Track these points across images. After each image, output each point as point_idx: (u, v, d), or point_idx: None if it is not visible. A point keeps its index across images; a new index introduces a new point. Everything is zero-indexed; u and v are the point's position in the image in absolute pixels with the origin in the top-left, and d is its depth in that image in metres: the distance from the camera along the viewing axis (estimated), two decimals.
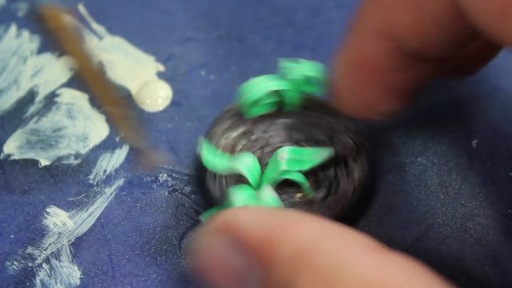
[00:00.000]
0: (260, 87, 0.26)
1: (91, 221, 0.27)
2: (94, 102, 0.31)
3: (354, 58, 0.23)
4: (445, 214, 0.27)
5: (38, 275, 0.25)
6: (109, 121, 0.30)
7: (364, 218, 0.27)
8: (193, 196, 0.28)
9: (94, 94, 0.23)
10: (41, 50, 0.33)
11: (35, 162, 0.29)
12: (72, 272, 0.25)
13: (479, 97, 0.31)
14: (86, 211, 0.27)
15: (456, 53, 0.22)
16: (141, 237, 0.26)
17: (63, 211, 0.27)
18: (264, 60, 0.32)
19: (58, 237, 0.26)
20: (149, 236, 0.26)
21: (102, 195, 0.28)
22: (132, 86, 0.31)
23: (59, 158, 0.29)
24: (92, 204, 0.27)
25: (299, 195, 0.26)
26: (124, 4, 0.35)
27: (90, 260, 0.26)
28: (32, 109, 0.30)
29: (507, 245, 0.26)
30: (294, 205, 0.25)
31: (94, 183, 0.28)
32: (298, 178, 0.25)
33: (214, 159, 0.25)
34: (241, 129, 0.27)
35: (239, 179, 0.26)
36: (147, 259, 0.26)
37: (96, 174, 0.28)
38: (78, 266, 0.26)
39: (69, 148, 0.29)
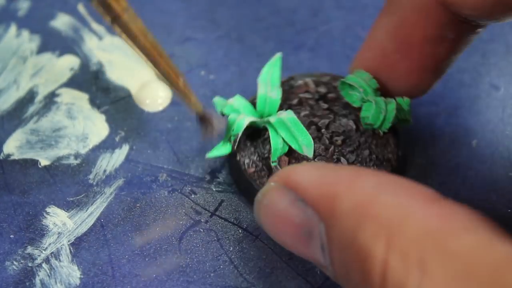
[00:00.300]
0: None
1: (91, 221, 0.27)
2: (94, 102, 0.31)
3: (396, 26, 0.24)
4: None
5: (38, 275, 0.25)
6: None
7: None
8: (193, 196, 0.28)
9: (161, 70, 0.24)
10: (41, 50, 0.33)
11: (35, 162, 0.29)
12: (72, 272, 0.25)
13: (479, 97, 0.31)
14: (86, 211, 0.27)
15: (495, 20, 0.23)
16: (141, 237, 0.26)
17: (63, 211, 0.27)
18: (264, 60, 0.32)
19: (58, 237, 0.26)
20: (149, 236, 0.26)
21: (102, 195, 0.28)
22: (132, 86, 0.31)
23: (59, 158, 0.29)
24: (92, 204, 0.27)
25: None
26: None
27: (90, 260, 0.26)
28: (32, 109, 0.30)
29: None
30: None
31: (94, 183, 0.28)
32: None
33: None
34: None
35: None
36: (147, 259, 0.26)
37: (96, 174, 0.28)
38: (78, 266, 0.26)
39: (69, 148, 0.29)
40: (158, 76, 0.24)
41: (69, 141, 0.29)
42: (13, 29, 0.33)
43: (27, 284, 0.25)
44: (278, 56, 0.27)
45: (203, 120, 0.26)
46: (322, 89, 0.28)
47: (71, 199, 0.27)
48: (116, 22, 0.23)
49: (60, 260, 0.26)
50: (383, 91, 0.26)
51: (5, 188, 0.28)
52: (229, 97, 0.31)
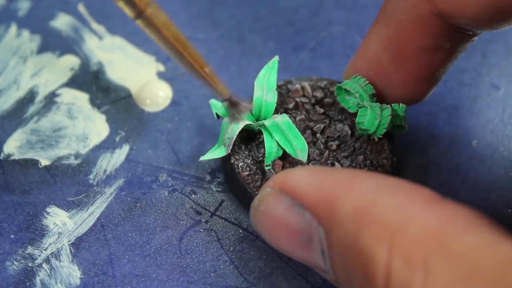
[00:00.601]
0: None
1: (91, 221, 0.27)
2: (95, 102, 0.31)
3: (390, 36, 0.24)
4: None
5: (38, 275, 0.25)
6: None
7: None
8: (193, 196, 0.28)
9: (186, 60, 0.24)
10: (41, 50, 0.33)
11: (35, 162, 0.29)
12: (72, 272, 0.25)
13: (479, 97, 0.31)
14: (86, 211, 0.27)
15: (490, 29, 0.23)
16: (141, 237, 0.26)
17: (63, 211, 0.27)
18: (264, 60, 0.32)
19: (58, 237, 0.26)
20: (149, 236, 0.26)
21: (102, 195, 0.28)
22: (132, 86, 0.31)
23: (59, 158, 0.29)
24: (92, 204, 0.27)
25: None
26: None
27: (90, 260, 0.26)
28: (32, 109, 0.30)
29: None
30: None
31: (94, 183, 0.28)
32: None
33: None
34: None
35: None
36: (147, 259, 0.26)
37: (96, 174, 0.28)
38: (78, 266, 0.26)
39: (69, 148, 0.29)
40: (184, 67, 0.24)
41: (70, 141, 0.29)
42: (13, 29, 0.33)
43: (28, 284, 0.25)
44: (275, 59, 0.27)
45: (231, 105, 0.26)
46: (319, 94, 0.28)
47: (72, 199, 0.27)
48: (140, 17, 0.23)
49: (60, 260, 0.26)
50: (379, 98, 0.26)
51: (6, 188, 0.28)
52: None
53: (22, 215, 0.27)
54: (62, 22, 0.34)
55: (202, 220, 0.27)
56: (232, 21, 0.34)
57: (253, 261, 0.26)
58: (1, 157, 0.29)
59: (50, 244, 0.26)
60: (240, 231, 0.27)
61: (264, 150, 0.26)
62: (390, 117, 0.25)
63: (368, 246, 0.17)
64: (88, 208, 0.27)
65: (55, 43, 0.33)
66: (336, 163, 0.26)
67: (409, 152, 0.29)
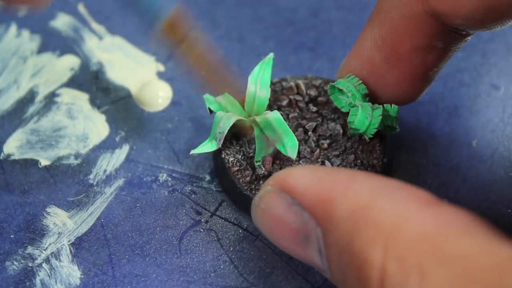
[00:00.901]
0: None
1: (91, 221, 0.27)
2: (94, 102, 0.31)
3: (384, 36, 0.24)
4: None
5: (38, 275, 0.25)
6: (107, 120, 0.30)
7: None
8: (193, 196, 0.28)
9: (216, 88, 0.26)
10: (41, 50, 0.33)
11: (35, 162, 0.29)
12: (72, 272, 0.25)
13: (479, 97, 0.31)
14: (86, 211, 0.27)
15: (484, 29, 0.23)
16: (141, 237, 0.26)
17: (63, 211, 0.27)
18: None
19: (58, 237, 0.26)
20: (149, 236, 0.26)
21: (102, 195, 0.28)
22: (132, 86, 0.31)
23: (59, 158, 0.29)
24: (92, 204, 0.27)
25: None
26: (124, 4, 0.35)
27: (90, 260, 0.26)
28: (32, 109, 0.30)
29: None
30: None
31: (94, 183, 0.28)
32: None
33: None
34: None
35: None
36: (147, 259, 0.26)
37: (96, 174, 0.28)
38: (78, 266, 0.26)
39: (69, 148, 0.29)
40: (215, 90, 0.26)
41: (70, 141, 0.29)
42: (13, 29, 0.33)
43: (28, 284, 0.25)
44: (270, 56, 0.27)
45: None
46: (313, 92, 0.28)
47: (72, 199, 0.27)
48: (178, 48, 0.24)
49: (60, 260, 0.26)
50: (372, 98, 0.26)
51: (6, 188, 0.28)
52: None
53: (22, 215, 0.27)
54: (62, 22, 0.34)
55: (202, 220, 0.27)
56: (232, 21, 0.34)
57: (253, 261, 0.26)
58: (1, 157, 0.29)
59: (50, 244, 0.26)
60: (240, 231, 0.27)
61: (255, 146, 0.26)
62: (381, 117, 0.25)
63: (362, 249, 0.17)
64: (88, 208, 0.27)
65: (55, 43, 0.33)
66: (326, 161, 0.26)
67: (408, 152, 0.29)
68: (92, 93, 0.31)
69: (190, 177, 0.28)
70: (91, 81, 0.31)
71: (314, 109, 0.28)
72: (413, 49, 0.24)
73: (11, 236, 0.26)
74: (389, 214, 0.17)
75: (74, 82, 0.31)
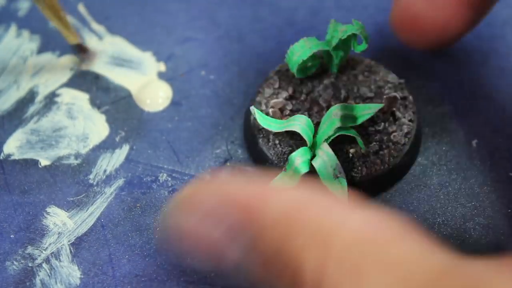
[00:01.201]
0: (306, 48, 0.27)
1: (91, 221, 0.27)
2: (95, 102, 0.31)
3: None
4: (445, 214, 0.27)
5: (38, 275, 0.25)
6: (108, 121, 0.30)
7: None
8: None
9: (44, 3, 0.29)
10: (41, 50, 0.33)
11: (35, 162, 0.29)
12: (72, 272, 0.25)
13: (479, 97, 0.31)
14: (86, 211, 0.27)
15: None
16: (141, 237, 0.26)
17: (63, 211, 0.27)
18: (264, 60, 0.32)
19: (58, 237, 0.26)
20: (149, 236, 0.26)
21: (102, 195, 0.28)
22: (132, 86, 0.31)
23: (59, 158, 0.29)
24: (92, 204, 0.27)
25: (352, 150, 0.26)
26: (124, 4, 0.35)
27: (90, 260, 0.26)
28: (32, 109, 0.30)
29: (507, 245, 0.26)
30: (349, 160, 0.26)
31: (94, 183, 0.28)
32: (352, 133, 0.26)
33: (268, 121, 0.26)
34: (289, 90, 0.28)
35: (291, 142, 0.27)
36: (147, 259, 0.26)
37: (96, 174, 0.28)
38: (78, 266, 0.26)
39: (69, 148, 0.29)
40: (42, 10, 0.29)
41: (70, 141, 0.29)
42: (13, 29, 0.33)
43: (28, 284, 0.25)
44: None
45: (79, 50, 0.30)
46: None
47: (72, 199, 0.28)
48: None
49: (60, 260, 0.26)
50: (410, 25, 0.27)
51: (6, 188, 0.28)
52: (229, 97, 0.31)
53: (22, 215, 0.27)
54: None
55: None
56: (232, 21, 0.34)
57: None
58: (1, 157, 0.29)
59: (50, 244, 0.26)
60: None
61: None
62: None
63: (297, 253, 0.16)
64: (88, 208, 0.27)
65: (55, 43, 0.33)
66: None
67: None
68: (92, 93, 0.31)
69: (190, 177, 0.28)
70: (91, 81, 0.31)
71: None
72: None
73: (11, 236, 0.26)
74: (323, 218, 0.17)
75: (74, 82, 0.31)
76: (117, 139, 0.29)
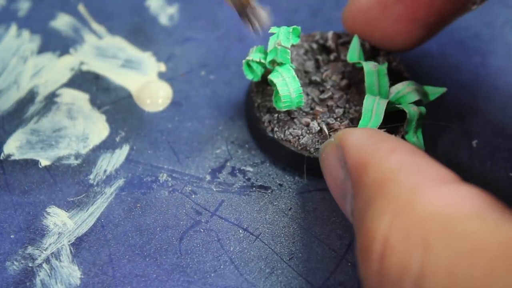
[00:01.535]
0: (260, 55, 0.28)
1: (91, 221, 0.27)
2: (95, 102, 0.31)
3: None
4: None
5: (38, 275, 0.25)
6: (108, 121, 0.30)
7: None
8: (193, 196, 0.28)
9: None
10: (41, 50, 0.33)
11: (35, 162, 0.29)
12: (72, 272, 0.25)
13: (479, 97, 0.31)
14: (86, 211, 0.27)
15: None
16: (141, 237, 0.26)
17: (63, 211, 0.27)
18: None
19: (58, 237, 0.26)
20: (149, 236, 0.26)
21: (102, 195, 0.28)
22: (132, 86, 0.31)
23: (59, 158, 0.29)
24: (92, 204, 0.27)
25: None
26: (124, 4, 0.35)
27: (90, 260, 0.26)
28: (32, 109, 0.30)
29: None
30: None
31: (94, 183, 0.28)
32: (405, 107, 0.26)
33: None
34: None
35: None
36: (147, 259, 0.26)
37: (96, 174, 0.28)
38: (78, 266, 0.26)
39: (69, 148, 0.29)
40: None
41: (70, 141, 0.29)
42: (13, 29, 0.33)
43: (28, 284, 0.25)
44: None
45: (245, 14, 0.27)
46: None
47: (72, 199, 0.28)
48: None
49: (60, 260, 0.26)
50: (369, 36, 0.27)
51: (6, 188, 0.28)
52: (229, 97, 0.31)
53: (22, 215, 0.27)
54: (62, 22, 0.34)
55: (202, 220, 0.27)
56: (232, 21, 0.34)
57: (253, 261, 0.26)
58: (1, 157, 0.29)
59: (50, 244, 0.26)
60: (240, 231, 0.27)
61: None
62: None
63: (372, 218, 0.18)
64: (88, 208, 0.27)
65: (55, 43, 0.33)
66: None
67: None
68: (92, 93, 0.31)
69: (190, 177, 0.28)
70: (92, 81, 0.31)
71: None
72: None
73: (11, 236, 0.26)
74: (405, 189, 0.18)
75: (74, 82, 0.31)
76: (117, 139, 0.29)
